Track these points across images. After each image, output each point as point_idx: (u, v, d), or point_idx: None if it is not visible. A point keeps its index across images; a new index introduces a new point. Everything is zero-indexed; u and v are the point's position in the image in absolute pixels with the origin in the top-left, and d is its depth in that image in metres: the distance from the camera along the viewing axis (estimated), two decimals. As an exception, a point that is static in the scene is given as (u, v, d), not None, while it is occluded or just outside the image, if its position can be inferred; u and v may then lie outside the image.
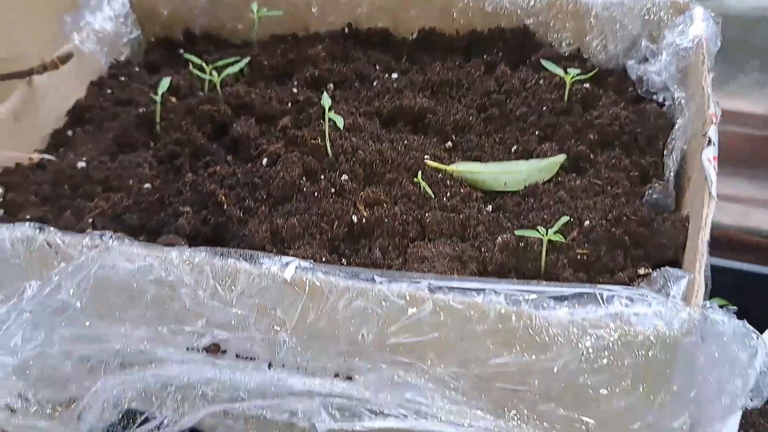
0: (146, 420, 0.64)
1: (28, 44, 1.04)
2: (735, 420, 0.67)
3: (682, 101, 0.78)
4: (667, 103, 0.83)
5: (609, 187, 0.74)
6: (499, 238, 0.69)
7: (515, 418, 0.58)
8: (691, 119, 0.76)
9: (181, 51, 1.06)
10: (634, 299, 0.56)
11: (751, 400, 0.59)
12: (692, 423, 0.57)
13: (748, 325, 0.58)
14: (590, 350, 0.55)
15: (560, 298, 0.58)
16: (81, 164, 0.86)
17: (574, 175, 0.77)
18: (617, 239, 0.68)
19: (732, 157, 1.34)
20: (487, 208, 0.76)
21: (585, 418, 0.57)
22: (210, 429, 0.75)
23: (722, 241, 1.27)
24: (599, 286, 0.57)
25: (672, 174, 0.76)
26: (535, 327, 0.56)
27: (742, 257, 1.15)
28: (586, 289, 0.57)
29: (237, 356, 0.64)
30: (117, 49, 1.05)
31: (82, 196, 0.82)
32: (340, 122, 0.78)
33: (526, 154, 0.81)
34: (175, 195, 0.80)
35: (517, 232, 0.67)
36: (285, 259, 0.63)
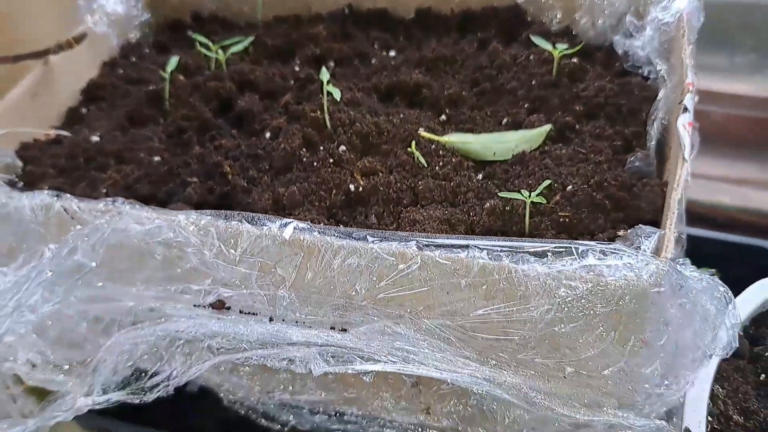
0: (156, 372, 0.69)
1: (43, 26, 1.09)
2: (708, 372, 0.71)
3: (664, 73, 0.82)
4: (651, 76, 0.86)
5: (593, 155, 0.78)
6: (487, 203, 0.73)
7: (497, 365, 0.62)
8: (672, 90, 0.79)
9: (189, 32, 1.10)
10: (607, 253, 0.60)
11: (720, 351, 0.63)
12: (663, 371, 0.61)
13: (717, 280, 0.62)
14: (565, 300, 0.59)
15: (539, 254, 0.62)
16: (95, 138, 0.90)
17: (560, 144, 0.81)
18: (598, 203, 0.72)
19: (732, 138, 1.37)
20: (478, 177, 0.80)
21: (561, 365, 0.61)
22: (217, 387, 0.81)
23: (720, 221, 1.30)
24: (575, 242, 0.61)
25: (654, 143, 0.79)
26: (514, 280, 0.60)
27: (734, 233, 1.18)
28: (563, 244, 0.61)
29: (240, 312, 0.69)
30: (128, 31, 1.10)
31: (96, 168, 0.87)
32: (337, 94, 0.82)
33: (515, 126, 0.85)
34: (183, 166, 0.85)
35: (501, 194, 0.71)
36: (284, 220, 0.68)
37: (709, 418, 0.70)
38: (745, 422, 0.70)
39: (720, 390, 0.72)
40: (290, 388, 0.75)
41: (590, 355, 0.60)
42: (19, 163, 0.89)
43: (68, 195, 0.75)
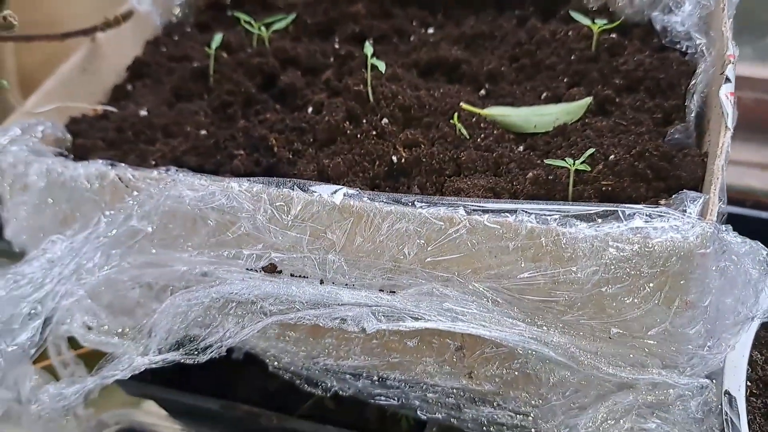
0: (211, 333, 0.71)
1: (87, 5, 1.12)
2: (748, 337, 0.72)
3: (704, 48, 0.83)
4: (689, 51, 0.87)
5: (633, 127, 0.79)
6: (530, 173, 0.75)
7: (544, 326, 0.64)
8: (711, 63, 0.80)
9: (230, 13, 1.13)
10: (653, 216, 0.61)
11: (762, 315, 0.64)
12: (706, 333, 0.63)
13: (760, 245, 0.63)
14: (612, 262, 0.60)
15: (585, 218, 0.63)
16: (143, 113, 0.93)
17: (600, 117, 0.82)
18: (640, 172, 0.73)
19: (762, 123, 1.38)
20: (519, 148, 0.81)
21: (607, 326, 0.63)
22: (263, 353, 0.83)
23: (748, 205, 1.30)
24: (622, 205, 0.62)
25: (693, 116, 0.80)
26: (562, 242, 0.62)
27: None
28: (610, 207, 0.63)
29: (291, 275, 0.71)
30: (170, 10, 1.12)
31: (144, 141, 0.89)
32: (381, 66, 0.84)
33: (555, 100, 0.86)
34: (229, 140, 0.87)
35: (546, 161, 0.73)
36: (334, 187, 0.70)
37: (748, 383, 0.71)
38: (784, 387, 0.72)
39: (759, 356, 0.74)
40: (335, 353, 0.77)
41: (635, 315, 0.62)
42: (69, 137, 0.91)
43: (122, 164, 0.78)
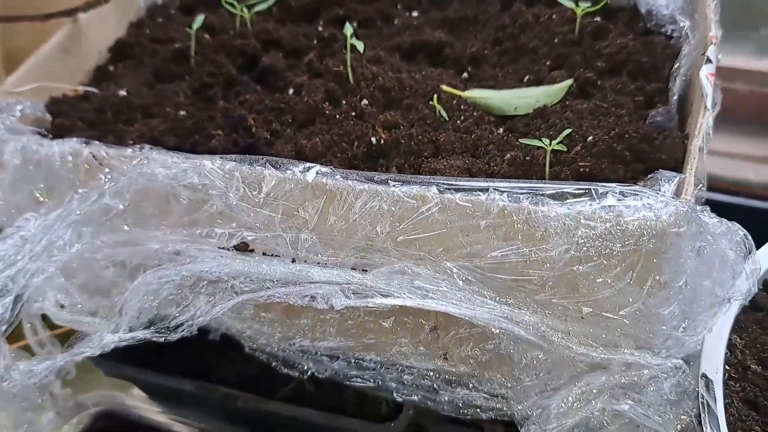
0: (182, 311, 0.71)
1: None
2: (726, 320, 0.71)
3: (688, 30, 0.82)
4: (674, 35, 0.86)
5: (614, 109, 0.78)
6: (508, 154, 0.74)
7: (515, 305, 0.63)
8: (695, 46, 0.79)
9: (215, -5, 1.12)
10: (626, 194, 0.60)
11: (739, 296, 0.63)
12: (681, 314, 0.62)
13: (737, 225, 0.62)
14: (584, 240, 0.59)
15: (558, 197, 0.62)
16: (122, 93, 0.92)
17: (581, 99, 0.81)
18: (619, 153, 0.72)
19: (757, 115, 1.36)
20: (499, 130, 0.80)
21: (579, 305, 0.62)
22: (239, 334, 0.82)
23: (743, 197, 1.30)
24: (594, 183, 0.61)
25: (675, 98, 0.79)
26: (533, 221, 0.61)
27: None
28: (583, 186, 0.62)
29: (263, 254, 0.70)
30: (154, -8, 1.11)
31: (123, 121, 0.88)
32: (360, 46, 0.83)
33: (536, 83, 0.85)
34: (208, 120, 0.86)
35: (522, 140, 0.72)
36: (307, 164, 0.69)
37: (727, 367, 0.70)
38: (763, 371, 0.71)
39: (738, 340, 0.73)
40: (310, 334, 0.76)
41: (608, 295, 0.61)
42: (49, 117, 0.91)
43: (96, 142, 0.77)
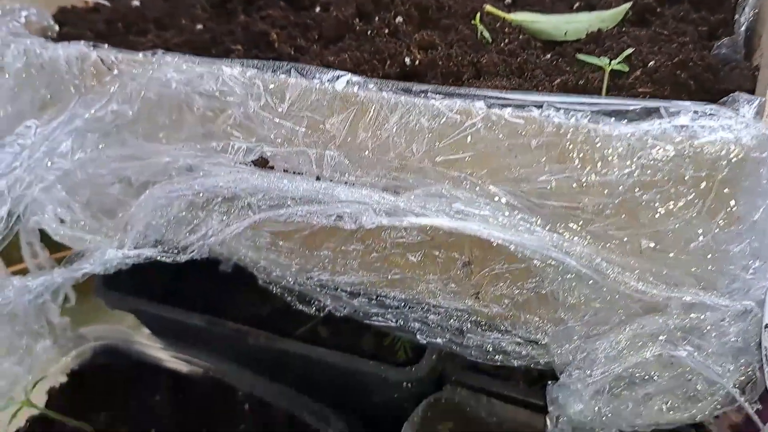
0: (193, 230, 0.64)
1: None
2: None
3: (760, -44, 0.74)
4: (742, -37, 0.79)
5: (675, 37, 0.71)
6: (558, 79, 0.67)
7: (567, 235, 0.56)
8: (769, -28, 0.72)
9: None
10: (701, 114, 0.53)
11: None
12: (752, 252, 0.55)
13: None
14: (650, 164, 0.52)
15: (621, 114, 0.55)
16: (135, 3, 0.85)
17: (639, 26, 0.74)
18: (682, 82, 0.65)
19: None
20: (546, 56, 0.73)
21: (638, 237, 0.55)
22: (253, 264, 0.76)
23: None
24: (665, 101, 0.54)
25: (743, 30, 0.72)
26: (593, 140, 0.54)
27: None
28: (651, 103, 0.55)
29: (284, 172, 0.64)
30: None
31: (135, 33, 0.82)
32: (398, -45, 0.76)
33: (588, 9, 0.78)
34: (227, 35, 0.79)
35: (579, 56, 0.65)
36: (336, 72, 0.62)
37: (791, 321, 0.63)
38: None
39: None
40: (330, 267, 0.70)
41: (673, 227, 0.54)
42: (56, 27, 0.84)
43: (105, 45, 0.71)
